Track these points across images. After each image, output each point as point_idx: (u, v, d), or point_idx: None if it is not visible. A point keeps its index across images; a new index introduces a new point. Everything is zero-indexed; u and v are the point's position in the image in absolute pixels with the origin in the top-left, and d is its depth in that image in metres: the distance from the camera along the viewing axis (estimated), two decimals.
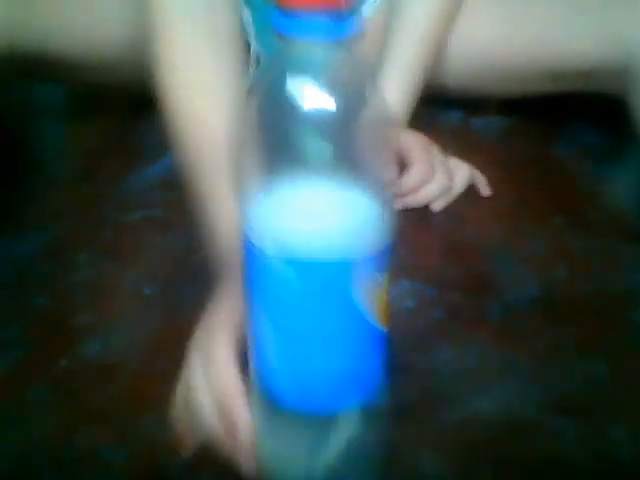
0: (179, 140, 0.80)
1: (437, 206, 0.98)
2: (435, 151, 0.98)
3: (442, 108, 1.12)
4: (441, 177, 0.97)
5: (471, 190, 1.00)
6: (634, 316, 0.83)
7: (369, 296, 0.54)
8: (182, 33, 0.81)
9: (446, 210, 0.97)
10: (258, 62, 1.22)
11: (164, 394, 0.70)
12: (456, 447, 0.67)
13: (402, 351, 0.76)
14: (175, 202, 0.99)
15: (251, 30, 1.20)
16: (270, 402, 0.57)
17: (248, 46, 1.20)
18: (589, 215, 0.96)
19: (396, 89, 1.03)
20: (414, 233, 0.94)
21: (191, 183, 0.78)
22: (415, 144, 0.96)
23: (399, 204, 0.96)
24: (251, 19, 1.19)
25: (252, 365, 0.58)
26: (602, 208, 0.94)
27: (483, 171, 1.00)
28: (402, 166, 0.96)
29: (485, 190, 1.00)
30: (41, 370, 0.73)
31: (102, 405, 0.70)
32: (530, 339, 0.78)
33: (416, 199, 0.97)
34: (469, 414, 0.69)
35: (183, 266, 0.88)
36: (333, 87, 0.49)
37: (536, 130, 1.13)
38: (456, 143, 1.01)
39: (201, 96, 0.79)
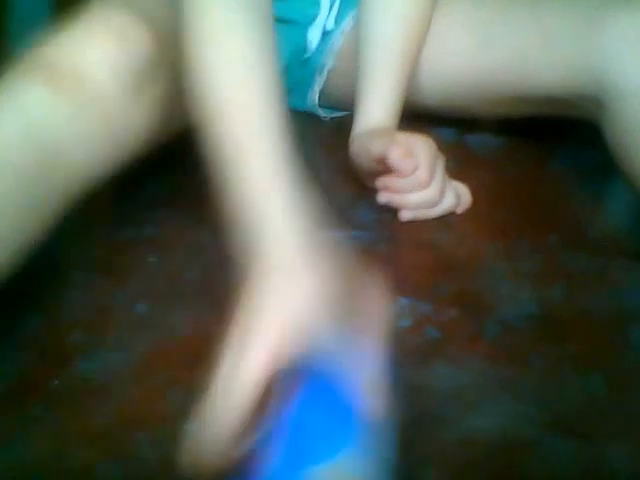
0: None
1: (406, 216, 0.97)
2: (440, 162, 0.98)
3: (436, 125, 1.12)
4: (435, 190, 0.97)
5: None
6: (631, 333, 0.83)
7: None
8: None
9: (442, 228, 0.97)
10: None
11: (158, 413, 0.71)
12: (453, 466, 0.67)
13: (398, 369, 0.76)
14: (169, 220, 0.99)
15: None
16: None
17: None
18: (585, 232, 0.96)
19: (382, 103, 1.05)
20: (410, 250, 0.95)
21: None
22: (425, 149, 0.96)
23: (385, 197, 0.96)
24: None
25: None
26: (598, 225, 0.94)
27: (478, 188, 1.00)
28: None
29: (459, 209, 1.00)
30: (35, 389, 0.73)
31: (96, 424, 0.69)
32: (527, 357, 0.79)
33: (403, 201, 0.97)
34: (465, 433, 0.69)
35: (177, 284, 0.88)
36: None
37: (532, 147, 1.13)
38: (451, 160, 1.01)
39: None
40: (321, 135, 1.21)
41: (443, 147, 1.06)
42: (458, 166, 0.99)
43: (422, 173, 0.95)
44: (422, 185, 0.96)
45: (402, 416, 0.71)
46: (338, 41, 1.21)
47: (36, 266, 0.89)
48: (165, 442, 0.67)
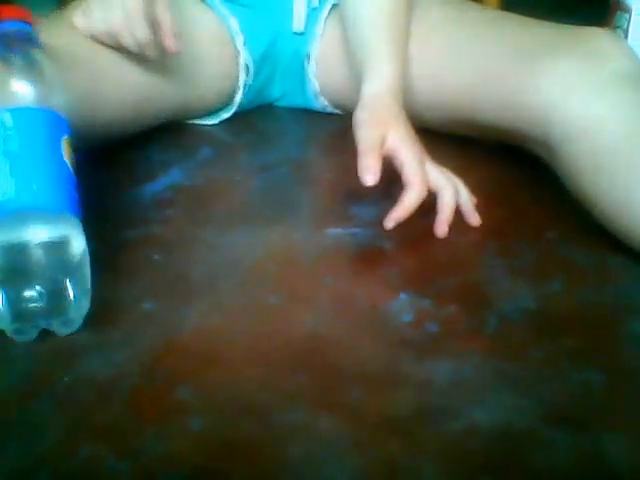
0: None
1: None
2: (428, 164, 0.97)
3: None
4: (424, 189, 0.95)
5: None
6: (629, 327, 0.84)
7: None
8: None
9: None
10: (247, 70, 1.23)
11: (165, 408, 0.71)
12: (454, 459, 0.67)
13: (398, 364, 0.77)
14: (173, 219, 1.00)
15: (239, 38, 1.22)
16: None
17: (237, 54, 1.22)
18: (583, 228, 0.96)
19: (388, 72, 1.05)
20: (410, 247, 0.96)
21: None
22: (410, 158, 0.95)
23: (392, 222, 0.95)
24: (239, 27, 1.22)
25: None
26: (596, 221, 0.95)
27: (478, 186, 1.00)
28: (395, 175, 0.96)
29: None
30: (43, 386, 0.73)
31: (103, 420, 0.70)
32: (526, 351, 0.79)
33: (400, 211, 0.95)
34: (466, 426, 0.70)
35: (182, 282, 0.88)
36: None
37: None
38: (452, 159, 1.02)
39: None
40: (324, 133, 1.22)
41: (443, 147, 1.07)
42: (458, 165, 1.00)
43: (416, 194, 0.94)
44: (421, 199, 0.95)
45: (404, 408, 0.72)
46: (320, 26, 1.23)
47: None
48: (172, 437, 0.68)
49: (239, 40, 1.22)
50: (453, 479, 0.65)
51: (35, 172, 0.77)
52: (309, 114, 1.29)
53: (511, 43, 1.05)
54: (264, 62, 1.26)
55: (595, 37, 0.98)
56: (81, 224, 0.79)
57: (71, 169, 0.80)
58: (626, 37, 1.29)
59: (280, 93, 1.32)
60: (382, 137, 0.96)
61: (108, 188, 1.05)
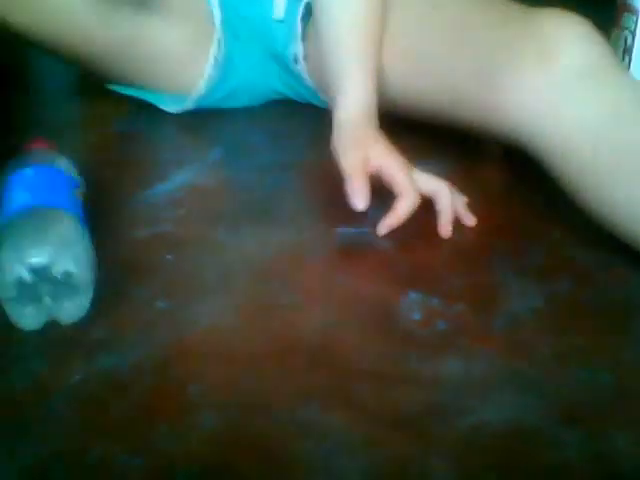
0: None
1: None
2: (415, 171, 0.98)
3: (438, 128, 1.12)
4: (414, 198, 0.96)
5: (472, 205, 1.01)
6: (637, 326, 0.84)
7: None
8: None
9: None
10: (219, 43, 1.24)
11: (178, 406, 0.72)
12: (462, 457, 0.67)
13: (408, 362, 0.78)
14: (185, 219, 1.01)
15: (217, 13, 1.23)
16: None
17: (208, 22, 1.24)
18: (587, 227, 0.96)
19: (359, 89, 1.05)
20: (418, 246, 0.96)
21: None
22: (398, 170, 0.96)
23: (385, 229, 0.96)
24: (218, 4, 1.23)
25: None
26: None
27: (483, 186, 1.01)
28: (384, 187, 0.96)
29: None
30: (56, 383, 0.74)
31: (117, 418, 0.70)
32: (534, 349, 0.79)
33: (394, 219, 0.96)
34: (475, 423, 0.70)
35: (194, 281, 0.89)
36: None
37: None
38: (453, 160, 1.02)
39: None
40: (329, 133, 1.22)
41: (443, 148, 1.07)
42: (461, 166, 1.00)
43: (408, 204, 0.95)
44: (413, 209, 0.95)
45: (414, 406, 0.72)
46: (299, 24, 1.24)
47: None
48: (185, 434, 0.68)
49: (217, 15, 1.23)
50: (462, 476, 0.66)
51: (50, 193, 0.87)
52: (319, 112, 1.29)
53: (477, 50, 1.02)
54: (245, 46, 1.26)
55: (558, 30, 0.94)
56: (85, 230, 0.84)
57: (81, 205, 0.90)
58: (633, 39, 1.28)
59: (285, 88, 1.32)
60: (364, 158, 0.97)
61: (121, 188, 1.06)
